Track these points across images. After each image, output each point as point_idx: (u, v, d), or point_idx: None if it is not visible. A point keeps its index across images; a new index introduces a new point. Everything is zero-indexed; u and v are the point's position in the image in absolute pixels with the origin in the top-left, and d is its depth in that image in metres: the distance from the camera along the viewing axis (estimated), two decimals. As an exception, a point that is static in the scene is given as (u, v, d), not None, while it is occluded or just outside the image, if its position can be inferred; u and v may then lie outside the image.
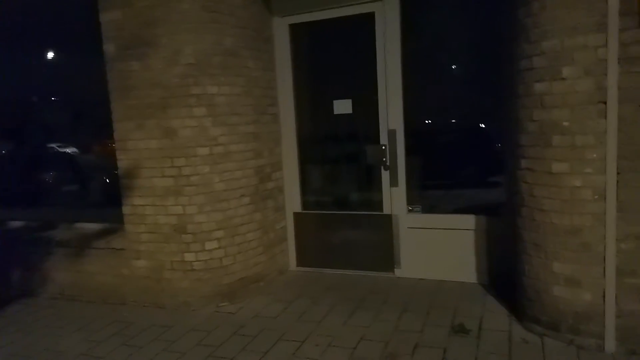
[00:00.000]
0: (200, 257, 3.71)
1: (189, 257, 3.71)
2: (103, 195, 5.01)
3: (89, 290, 4.07)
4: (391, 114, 4.02)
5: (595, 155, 2.61)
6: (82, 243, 4.08)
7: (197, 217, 3.68)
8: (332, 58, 4.42)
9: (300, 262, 4.53)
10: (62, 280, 4.19)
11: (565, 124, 2.67)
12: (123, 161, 3.81)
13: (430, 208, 4.12)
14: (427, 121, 4.30)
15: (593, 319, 2.76)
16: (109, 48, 3.74)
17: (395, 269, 4.18)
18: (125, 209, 3.85)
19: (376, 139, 4.09)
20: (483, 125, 4.16)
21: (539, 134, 2.80)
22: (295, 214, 4.49)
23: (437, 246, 4.02)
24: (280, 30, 4.31)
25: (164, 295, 3.80)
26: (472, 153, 4.13)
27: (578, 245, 2.75)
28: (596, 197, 2.65)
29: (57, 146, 6.66)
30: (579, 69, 2.58)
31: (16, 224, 4.70)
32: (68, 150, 6.60)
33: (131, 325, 3.56)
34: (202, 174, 3.67)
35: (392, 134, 4.03)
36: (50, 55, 5.48)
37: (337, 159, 4.57)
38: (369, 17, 3.99)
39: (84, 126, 5.48)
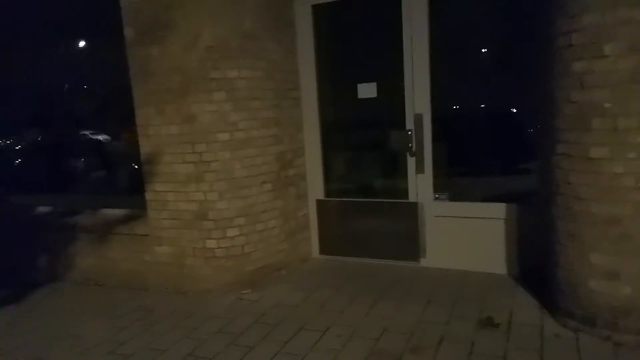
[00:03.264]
0: (221, 244, 3.68)
1: (210, 244, 3.68)
2: (131, 181, 5.03)
3: (113, 276, 4.10)
4: (418, 98, 3.85)
5: (639, 140, 2.41)
6: (106, 229, 4.10)
7: (218, 203, 3.63)
8: (356, 40, 4.27)
9: (323, 250, 4.45)
10: (87, 266, 4.23)
11: (607, 105, 2.47)
12: (145, 147, 3.79)
13: (458, 196, 3.96)
14: (455, 105, 4.12)
15: (632, 314, 2.58)
16: (128, 32, 3.70)
17: (420, 259, 4.05)
18: (148, 195, 3.84)
19: (402, 124, 3.94)
20: (515, 110, 3.94)
21: (577, 116, 2.61)
22: (318, 201, 4.40)
23: (465, 235, 3.86)
24: (303, 11, 4.17)
25: (185, 282, 3.79)
26: (503, 139, 3.92)
27: (617, 236, 2.56)
28: (639, 184, 2.45)
29: (90, 133, 6.77)
30: (623, 46, 2.37)
31: (43, 209, 4.76)
32: (99, 137, 6.69)
33: (153, 311, 3.56)
34: (223, 160, 3.61)
35: (418, 118, 3.87)
36: (76, 42, 5.51)
37: (361, 144, 4.44)
38: (395, -4, 3.81)
39: (114, 113, 5.51)
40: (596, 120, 2.53)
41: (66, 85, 5.84)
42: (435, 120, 3.85)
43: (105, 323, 3.42)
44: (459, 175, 4.14)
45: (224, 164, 3.61)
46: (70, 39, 5.34)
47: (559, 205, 2.84)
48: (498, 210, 3.73)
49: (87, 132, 6.79)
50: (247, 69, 3.69)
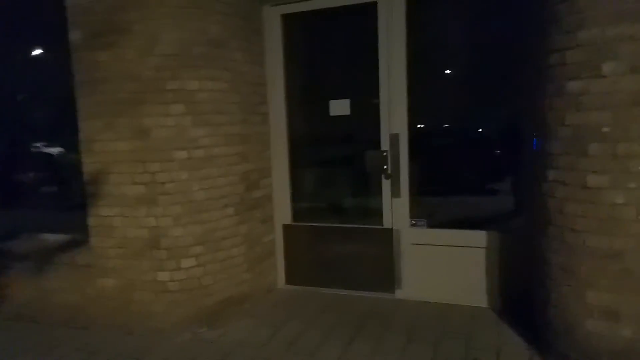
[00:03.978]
0: (175, 277, 3.25)
1: (162, 276, 3.24)
2: (82, 197, 4.53)
3: (51, 312, 3.57)
4: (394, 116, 3.59)
5: (642, 167, 2.21)
6: (43, 257, 3.59)
7: (173, 230, 3.21)
8: (329, 53, 3.99)
9: (290, 279, 4.07)
10: (21, 299, 3.69)
11: (605, 129, 2.26)
12: (88, 165, 3.34)
13: (437, 222, 3.69)
14: (434, 124, 3.87)
15: (633, 358, 2.34)
16: (74, 36, 3.27)
17: (396, 290, 3.74)
18: (91, 220, 3.37)
19: (377, 144, 3.67)
20: (499, 129, 3.71)
21: (572, 140, 2.39)
22: (285, 226, 4.04)
23: (444, 265, 3.59)
24: (272, 20, 3.87)
25: (134, 319, 3.32)
26: (487, 160, 3.70)
27: (618, 272, 2.34)
28: (642, 216, 2.24)
29: (43, 145, 6.18)
30: (624, 65, 2.17)
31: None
32: (53, 149, 6.11)
33: (96, 354, 3.08)
34: (179, 180, 3.21)
35: (394, 138, 3.60)
36: (25, 47, 4.98)
37: (332, 165, 4.13)
38: (371, 8, 3.56)
39: (69, 124, 4.98)
40: (594, 145, 2.31)
41: (20, 94, 5.27)
42: (413, 140, 3.59)
43: (35, 370, 2.92)
44: (438, 199, 3.88)
45: (181, 185, 3.21)
46: (19, 43, 4.81)
47: (551, 237, 2.60)
48: (479, 238, 3.48)
49: (40, 144, 6.20)
50: (210, 80, 3.33)
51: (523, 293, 3.08)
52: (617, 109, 2.22)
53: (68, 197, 5.00)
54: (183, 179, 3.21)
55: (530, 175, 2.87)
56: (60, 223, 3.90)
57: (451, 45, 3.67)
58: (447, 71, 3.77)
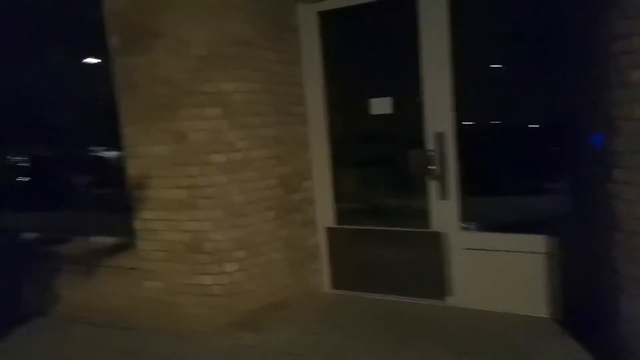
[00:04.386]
0: (218, 281, 3.22)
1: (205, 280, 3.23)
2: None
3: (100, 312, 3.67)
4: (439, 114, 3.38)
5: None
6: (93, 260, 3.69)
7: (214, 234, 3.19)
8: (368, 50, 3.81)
9: (335, 284, 3.95)
10: (74, 301, 3.81)
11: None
12: (132, 170, 3.38)
13: (490, 225, 3.44)
14: (483, 121, 3.60)
15: None
16: (113, 41, 3.31)
17: (446, 297, 3.52)
18: (136, 224, 3.42)
19: (422, 143, 3.46)
20: (554, 125, 3.38)
21: (644, 136, 2.10)
22: (328, 229, 3.92)
23: (499, 271, 3.34)
24: (308, 18, 3.75)
25: (177, 323, 3.33)
26: (542, 158, 3.39)
27: (702, 286, 2.03)
28: None
29: (102, 149, 6.41)
30: None
31: (30, 235, 4.39)
32: (108, 153, 6.32)
33: (140, 356, 3.11)
34: (219, 184, 3.18)
35: (440, 137, 3.38)
36: (75, 54, 5.15)
37: (375, 166, 3.95)
38: (411, 1, 3.36)
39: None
40: (670, 140, 2.01)
41: (77, 100, 5.48)
42: (460, 138, 3.36)
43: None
44: (489, 200, 3.61)
45: (220, 189, 3.17)
46: (72, 50, 4.99)
47: (620, 244, 2.32)
48: (537, 242, 3.20)
49: (98, 148, 6.44)
50: (242, 81, 3.27)
51: (589, 303, 2.79)
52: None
53: (119, 200, 5.14)
54: (222, 183, 3.18)
55: (591, 175, 2.58)
56: (111, 226, 3.98)
57: (498, 37, 3.38)
58: (495, 65, 3.49)
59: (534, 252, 3.21)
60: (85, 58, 4.26)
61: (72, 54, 4.26)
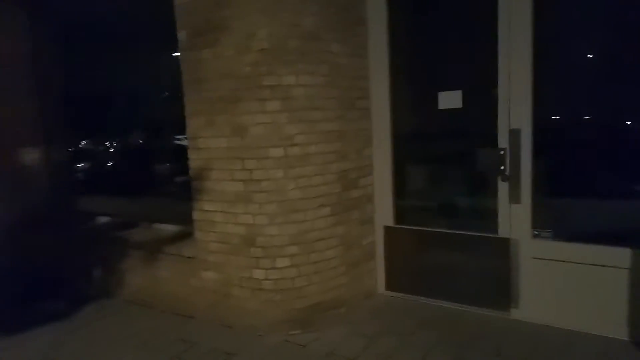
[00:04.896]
0: (270, 276, 3.20)
1: (258, 274, 3.21)
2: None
3: (161, 298, 3.80)
4: (515, 110, 3.10)
5: None
6: (155, 247, 3.82)
7: (268, 228, 3.16)
8: (438, 40, 3.59)
9: (390, 285, 3.80)
10: (137, 285, 3.98)
11: None
12: (194, 161, 3.44)
13: (566, 233, 3.12)
14: (566, 118, 3.26)
15: None
16: (181, 36, 3.37)
17: (511, 309, 3.26)
18: (195, 214, 3.48)
19: (493, 141, 3.21)
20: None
21: None
22: (387, 228, 3.76)
23: (572, 285, 3.03)
24: (376, 6, 3.59)
25: (231, 314, 3.37)
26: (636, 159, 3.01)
27: None
28: None
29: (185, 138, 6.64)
30: None
31: (103, 219, 4.65)
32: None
33: (194, 346, 3.17)
34: (275, 179, 3.13)
35: (514, 134, 3.11)
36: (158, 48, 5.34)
37: (441, 164, 3.74)
38: (488, -16, 3.11)
39: None
40: None
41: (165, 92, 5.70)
42: (538, 136, 3.07)
43: (140, 357, 3.09)
44: (567, 205, 3.27)
45: (276, 183, 3.13)
46: (143, 44, 5.18)
47: None
48: (620, 256, 2.86)
49: (183, 137, 6.65)
50: (306, 75, 3.19)
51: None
52: None
53: (184, 190, 5.28)
54: (278, 177, 3.13)
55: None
56: (177, 214, 4.08)
57: (588, 23, 3.03)
58: (585, 55, 3.14)
59: (614, 267, 2.88)
60: (160, 51, 4.38)
61: (147, 48, 4.39)
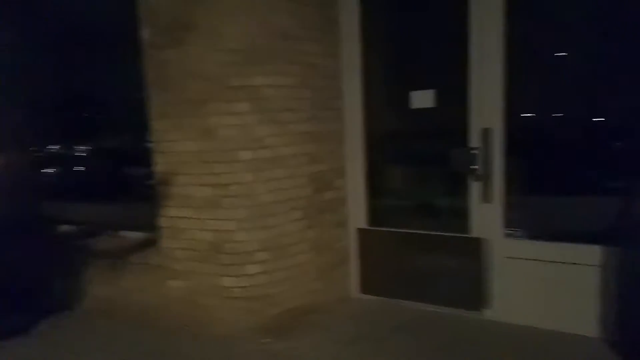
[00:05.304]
0: (240, 283, 3.10)
1: (227, 281, 3.11)
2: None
3: (126, 309, 3.63)
4: (486, 108, 3.10)
5: None
6: (121, 255, 3.66)
7: (237, 234, 3.06)
8: (411, 40, 3.57)
9: (365, 288, 3.75)
10: (101, 295, 3.80)
11: None
12: (160, 165, 3.30)
13: (538, 232, 3.13)
14: (538, 116, 3.27)
15: None
16: (145, 34, 3.23)
17: (485, 309, 3.25)
18: (162, 221, 3.34)
19: (465, 141, 3.19)
20: (625, 120, 3.01)
21: None
22: (360, 231, 3.72)
23: (544, 284, 3.04)
24: (348, 6, 3.54)
25: (200, 324, 3.24)
26: (606, 158, 3.03)
27: None
28: None
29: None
30: None
31: (67, 227, 4.44)
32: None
33: (161, 358, 3.03)
34: (244, 182, 3.04)
35: (486, 133, 3.11)
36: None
37: (414, 164, 3.71)
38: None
39: None
40: None
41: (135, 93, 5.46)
42: (510, 135, 3.07)
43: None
44: (540, 204, 3.28)
45: (245, 187, 3.03)
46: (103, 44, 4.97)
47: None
48: (590, 253, 2.88)
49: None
50: (277, 75, 3.12)
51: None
52: None
53: (149, 195, 5.08)
54: (248, 181, 3.04)
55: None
56: (142, 221, 3.91)
57: (559, 23, 3.05)
58: (559, 51, 3.15)
59: (585, 264, 2.90)
60: (121, 51, 4.20)
61: (108, 48, 4.21)
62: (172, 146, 3.21)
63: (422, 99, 3.41)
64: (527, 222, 3.18)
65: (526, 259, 3.10)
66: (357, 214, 3.71)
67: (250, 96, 3.03)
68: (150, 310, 3.48)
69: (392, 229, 3.62)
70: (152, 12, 3.19)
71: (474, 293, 3.27)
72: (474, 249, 3.24)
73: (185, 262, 3.24)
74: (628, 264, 2.75)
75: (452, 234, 3.35)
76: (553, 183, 3.22)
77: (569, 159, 3.14)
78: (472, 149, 3.17)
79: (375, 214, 3.72)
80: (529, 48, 3.09)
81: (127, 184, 4.53)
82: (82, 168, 5.52)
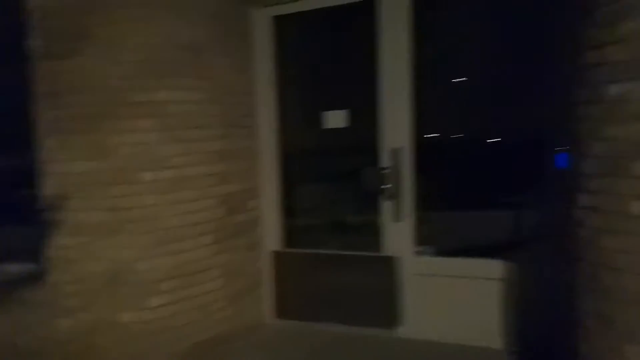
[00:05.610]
0: (142, 317, 2.82)
1: (127, 317, 2.81)
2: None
3: (3, 353, 3.15)
4: (395, 129, 3.17)
5: (703, 192, 1.74)
6: (-1, 291, 3.18)
7: (138, 263, 2.79)
8: (324, 59, 3.59)
9: (280, 313, 3.61)
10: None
11: (655, 144, 1.81)
12: (48, 188, 2.94)
13: (446, 248, 3.23)
14: (446, 136, 3.40)
15: None
16: (35, 42, 2.89)
17: (398, 327, 3.27)
18: (49, 251, 2.96)
19: (377, 160, 3.23)
20: (520, 140, 3.22)
21: (612, 158, 1.94)
22: (274, 253, 3.59)
23: (452, 299, 3.13)
24: (261, 23, 3.47)
25: (96, 366, 2.89)
26: (508, 176, 3.21)
27: (670, 323, 1.86)
28: None
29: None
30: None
31: None
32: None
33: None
34: (146, 206, 2.80)
35: (396, 153, 3.17)
36: None
37: (329, 184, 3.69)
38: (369, 7, 3.15)
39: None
40: (639, 164, 1.85)
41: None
42: (419, 155, 3.16)
43: None
44: (447, 221, 3.40)
45: (148, 211, 2.79)
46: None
47: (584, 275, 2.13)
48: (492, 268, 3.02)
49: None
50: (184, 90, 2.94)
51: (544, 336, 2.62)
52: (670, 120, 1.76)
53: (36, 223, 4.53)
54: (150, 204, 2.80)
55: (555, 197, 2.43)
56: (27, 251, 3.48)
57: (463, 47, 3.23)
58: (459, 76, 3.32)
59: (488, 278, 3.02)
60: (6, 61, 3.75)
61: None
62: (64, 166, 2.87)
63: (336, 118, 3.42)
64: (435, 239, 3.26)
65: (435, 275, 3.17)
66: (272, 235, 3.59)
67: (153, 112, 2.82)
68: (35, 354, 3.04)
69: (307, 250, 3.55)
70: (43, 19, 2.87)
71: (387, 312, 3.28)
72: (387, 267, 3.26)
73: (77, 297, 2.88)
74: (525, 276, 2.91)
75: (366, 253, 3.35)
76: (457, 200, 3.36)
77: (470, 177, 3.29)
78: (383, 168, 3.21)
79: (290, 235, 3.63)
80: (433, 72, 3.23)
81: (10, 209, 4.00)
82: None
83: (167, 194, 2.83)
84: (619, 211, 1.93)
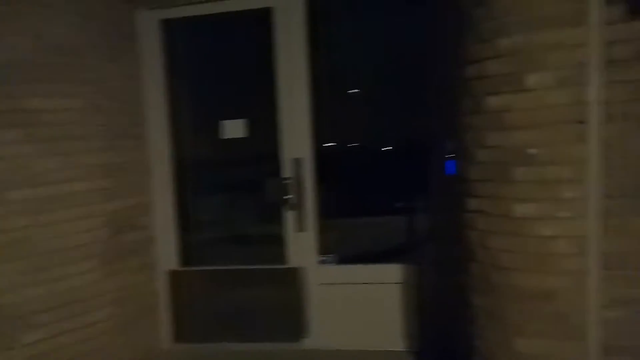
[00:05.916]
0: (14, 356, 2.44)
1: (-7, 358, 2.42)
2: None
3: None
4: (296, 139, 3.14)
5: (573, 194, 1.93)
6: None
7: (6, 295, 2.42)
8: (221, 66, 3.45)
9: (179, 336, 3.36)
10: None
11: (532, 151, 1.96)
12: None
13: (348, 256, 3.26)
14: (345, 145, 3.45)
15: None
16: None
17: (304, 339, 3.22)
18: None
19: (279, 170, 3.17)
20: (414, 147, 3.35)
21: (495, 164, 2.08)
22: (171, 272, 3.35)
23: (355, 306, 3.15)
24: (148, 26, 3.24)
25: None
26: (405, 183, 3.32)
27: (550, 316, 2.02)
28: (575, 250, 1.96)
29: None
30: (550, 77, 1.90)
31: None
32: None
33: None
34: (17, 228, 2.44)
35: (297, 163, 3.14)
36: None
37: (230, 196, 3.56)
38: (266, 14, 3.09)
39: None
40: (519, 169, 2.00)
41: None
42: (320, 164, 3.15)
43: None
44: (349, 228, 3.45)
45: (18, 234, 2.44)
46: None
47: (474, 275, 2.26)
48: (392, 272, 3.11)
49: None
50: (60, 97, 2.64)
51: (445, 335, 2.75)
52: (545, 128, 1.93)
53: None
54: (22, 226, 2.45)
55: (447, 202, 2.55)
56: None
57: (358, 58, 3.31)
58: (356, 86, 3.40)
59: (389, 283, 3.11)
60: None
61: None
62: None
63: (233, 128, 3.31)
64: (337, 247, 3.28)
65: (338, 284, 3.18)
66: (168, 253, 3.34)
67: (24, 122, 2.49)
68: None
69: (207, 267, 3.37)
70: None
71: (292, 324, 3.21)
72: (292, 279, 3.20)
73: None
74: (422, 279, 3.03)
75: (270, 267, 3.27)
76: (358, 208, 3.43)
77: (368, 184, 3.39)
78: (285, 178, 3.16)
79: (189, 252, 3.42)
80: (331, 83, 3.27)
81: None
82: None
83: (41, 214, 2.50)
84: (503, 214, 2.08)
